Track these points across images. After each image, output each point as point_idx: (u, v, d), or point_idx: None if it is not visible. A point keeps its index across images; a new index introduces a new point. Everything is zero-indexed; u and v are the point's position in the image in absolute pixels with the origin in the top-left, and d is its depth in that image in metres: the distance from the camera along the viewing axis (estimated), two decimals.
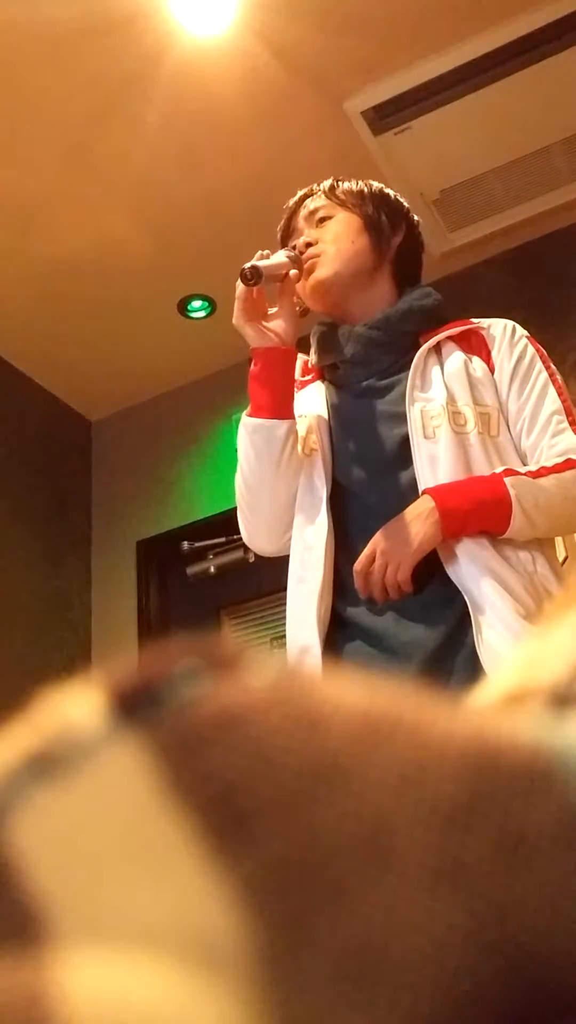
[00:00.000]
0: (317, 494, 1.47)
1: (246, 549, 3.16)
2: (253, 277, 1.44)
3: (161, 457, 3.56)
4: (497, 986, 0.16)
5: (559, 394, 1.49)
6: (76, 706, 0.19)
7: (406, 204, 1.65)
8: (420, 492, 1.40)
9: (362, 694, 0.19)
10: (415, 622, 1.37)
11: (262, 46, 2.47)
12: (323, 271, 1.54)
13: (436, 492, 1.37)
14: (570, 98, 2.65)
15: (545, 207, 2.98)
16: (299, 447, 1.51)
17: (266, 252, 1.50)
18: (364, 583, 1.38)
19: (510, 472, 1.39)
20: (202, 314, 3.31)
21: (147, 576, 3.44)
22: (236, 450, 1.54)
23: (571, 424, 1.46)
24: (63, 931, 0.17)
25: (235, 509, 1.56)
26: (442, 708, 0.19)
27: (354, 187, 1.60)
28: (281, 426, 1.47)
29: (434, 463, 1.41)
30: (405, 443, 1.45)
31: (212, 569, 3.27)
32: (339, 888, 0.16)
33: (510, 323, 1.57)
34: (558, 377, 1.52)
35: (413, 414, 1.45)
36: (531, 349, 1.54)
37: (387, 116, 2.67)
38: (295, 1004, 0.16)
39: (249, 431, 1.49)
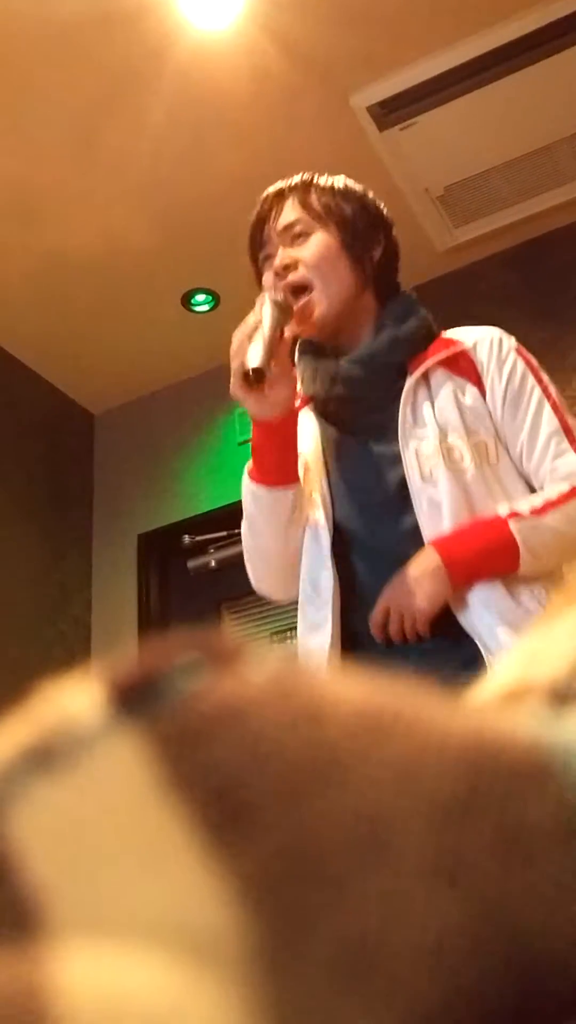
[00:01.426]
0: (321, 542, 1.45)
1: None
2: (259, 380, 1.34)
3: (163, 451, 3.56)
4: (494, 981, 0.16)
5: (555, 411, 1.44)
6: (76, 699, 0.20)
7: (383, 206, 1.57)
8: (425, 538, 1.37)
9: (362, 690, 0.19)
10: (426, 664, 1.36)
11: (268, 41, 2.47)
12: (319, 311, 1.48)
13: (441, 545, 1.35)
14: None
15: (549, 204, 2.98)
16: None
17: (253, 322, 1.38)
18: (380, 631, 1.37)
19: (514, 514, 1.36)
20: (206, 308, 3.30)
21: (148, 570, 3.44)
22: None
23: (571, 443, 1.42)
24: (61, 924, 0.17)
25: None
26: (441, 704, 0.19)
27: (331, 200, 1.51)
28: (288, 494, 1.45)
29: (435, 508, 1.38)
30: (404, 485, 1.42)
31: (213, 563, 3.27)
32: (337, 882, 0.17)
33: (496, 335, 1.50)
34: (552, 390, 1.46)
35: (408, 458, 1.41)
36: (521, 364, 1.47)
37: (393, 111, 2.66)
38: (292, 998, 0.16)
39: (256, 496, 1.48)
